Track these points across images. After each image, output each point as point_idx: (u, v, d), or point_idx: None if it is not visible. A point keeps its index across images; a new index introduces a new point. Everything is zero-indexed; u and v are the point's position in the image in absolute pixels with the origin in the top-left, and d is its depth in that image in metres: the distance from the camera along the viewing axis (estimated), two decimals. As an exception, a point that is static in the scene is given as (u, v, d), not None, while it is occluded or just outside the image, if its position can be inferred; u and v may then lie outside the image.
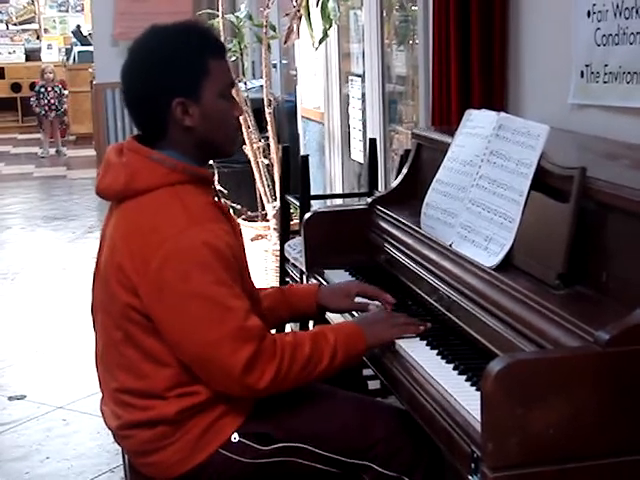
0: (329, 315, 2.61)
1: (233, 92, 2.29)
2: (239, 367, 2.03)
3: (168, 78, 2.16)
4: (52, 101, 12.51)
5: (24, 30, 16.56)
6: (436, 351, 2.17)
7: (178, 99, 2.15)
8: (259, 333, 2.07)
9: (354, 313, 2.50)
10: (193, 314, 2.05)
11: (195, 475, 2.16)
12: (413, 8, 4.56)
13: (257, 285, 2.41)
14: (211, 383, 2.12)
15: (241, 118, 5.36)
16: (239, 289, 2.10)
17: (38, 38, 16.20)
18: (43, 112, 12.49)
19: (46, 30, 16.24)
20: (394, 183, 3.04)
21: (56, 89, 12.62)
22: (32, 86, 14.23)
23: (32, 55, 15.32)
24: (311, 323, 2.92)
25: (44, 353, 4.98)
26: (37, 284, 6.38)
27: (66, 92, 13.06)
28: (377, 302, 2.46)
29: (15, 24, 16.78)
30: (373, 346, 2.24)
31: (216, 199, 2.27)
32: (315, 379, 2.17)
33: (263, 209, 5.78)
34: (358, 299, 2.49)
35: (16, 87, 14.89)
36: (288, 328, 3.86)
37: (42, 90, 12.52)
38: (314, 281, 2.86)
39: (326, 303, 2.50)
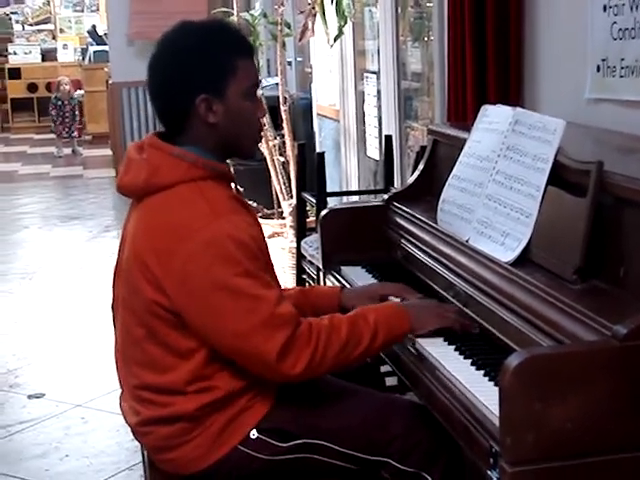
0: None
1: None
2: (273, 354, 2.04)
3: (195, 74, 2.16)
4: (67, 114, 12.47)
5: (40, 30, 16.63)
6: (454, 347, 2.17)
7: (203, 95, 2.15)
8: (292, 319, 2.08)
9: None
10: (220, 307, 2.06)
11: (214, 471, 2.17)
12: (428, 4, 4.56)
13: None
14: (249, 370, 2.13)
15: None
16: (269, 278, 2.12)
17: (54, 38, 16.26)
18: (61, 128, 12.44)
19: (62, 30, 16.30)
20: (410, 179, 3.04)
21: (72, 102, 12.57)
22: (48, 87, 14.30)
23: (48, 55, 15.37)
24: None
25: (62, 352, 5.01)
26: (55, 283, 6.40)
27: (82, 92, 13.11)
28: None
29: (31, 24, 16.86)
30: (417, 330, 2.22)
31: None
32: (356, 360, 2.17)
33: (279, 207, 5.79)
34: None
35: (32, 87, 14.94)
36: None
37: (59, 104, 12.49)
38: (331, 278, 2.86)
39: (348, 304, 2.49)
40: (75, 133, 12.65)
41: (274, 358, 2.05)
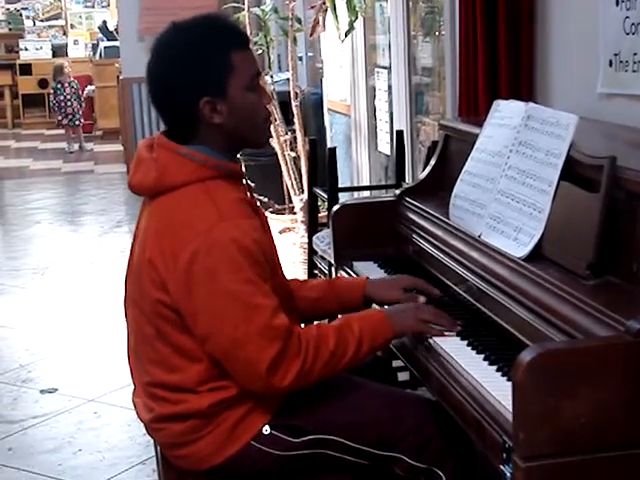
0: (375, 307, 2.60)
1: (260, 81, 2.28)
2: (264, 366, 2.04)
3: (194, 78, 2.15)
4: (68, 98, 12.48)
5: (51, 26, 16.69)
6: (466, 342, 2.17)
7: (205, 98, 2.14)
8: (285, 331, 2.07)
9: None
10: (220, 311, 2.06)
11: (227, 467, 2.18)
12: (439, -1, 4.56)
13: (291, 277, 2.41)
14: (236, 380, 2.12)
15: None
16: (267, 286, 2.10)
17: (65, 34, 16.30)
18: (59, 114, 12.47)
19: (72, 26, 16.35)
20: (422, 174, 3.03)
21: (72, 84, 12.59)
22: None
23: (59, 51, 15.40)
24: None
25: (75, 347, 5.03)
26: (66, 278, 6.43)
27: (93, 87, 13.13)
28: (423, 297, 2.43)
29: (42, 20, 16.90)
30: (400, 335, 2.25)
31: (247, 194, 2.27)
32: (341, 370, 2.17)
33: (290, 202, 5.79)
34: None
35: (43, 83, 14.96)
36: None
37: (58, 87, 12.50)
38: (343, 273, 2.87)
39: (373, 294, 2.48)
40: (80, 121, 12.60)
41: (264, 371, 2.04)
